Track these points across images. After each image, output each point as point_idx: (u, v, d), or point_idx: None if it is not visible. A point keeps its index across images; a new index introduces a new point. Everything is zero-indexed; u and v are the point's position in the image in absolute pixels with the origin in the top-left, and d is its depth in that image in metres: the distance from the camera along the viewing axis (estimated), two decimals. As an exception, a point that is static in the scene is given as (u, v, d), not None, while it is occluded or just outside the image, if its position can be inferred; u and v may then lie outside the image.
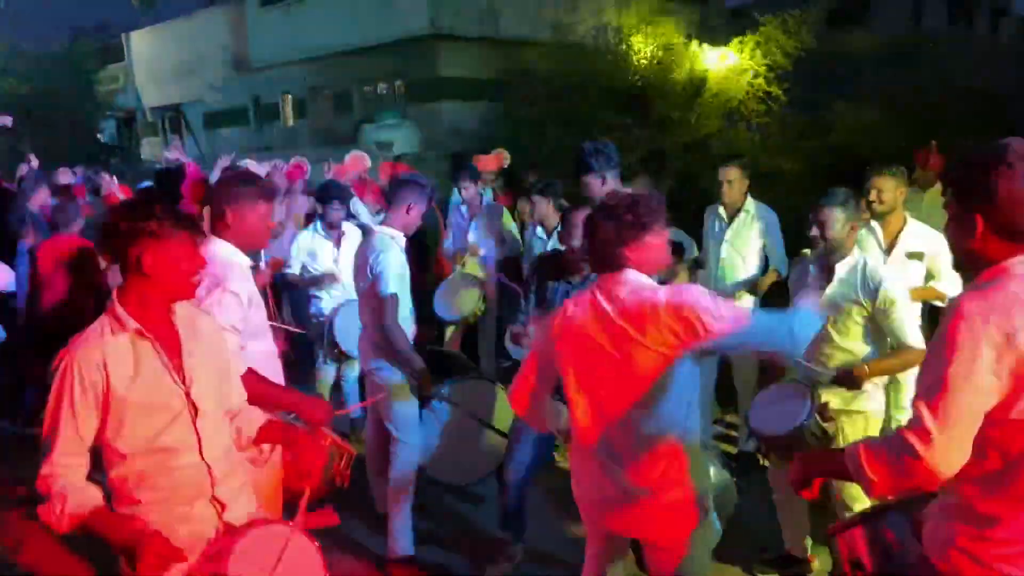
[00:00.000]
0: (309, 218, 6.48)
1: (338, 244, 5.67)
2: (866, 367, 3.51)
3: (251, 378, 2.85)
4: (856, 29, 13.03)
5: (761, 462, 4.95)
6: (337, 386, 5.76)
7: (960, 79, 9.84)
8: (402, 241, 4.14)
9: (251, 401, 2.74)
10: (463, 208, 6.65)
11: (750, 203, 5.24)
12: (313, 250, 5.69)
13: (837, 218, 3.59)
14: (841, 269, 3.62)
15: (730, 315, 2.57)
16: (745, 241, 5.22)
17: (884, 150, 6.76)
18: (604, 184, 4.34)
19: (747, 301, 5.16)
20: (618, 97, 11.59)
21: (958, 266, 2.11)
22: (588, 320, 2.73)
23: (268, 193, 3.25)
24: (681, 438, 2.68)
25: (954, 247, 2.07)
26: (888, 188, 4.41)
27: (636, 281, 2.69)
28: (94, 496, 2.23)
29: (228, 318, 2.90)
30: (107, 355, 2.25)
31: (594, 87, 11.78)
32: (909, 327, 3.52)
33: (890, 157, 4.76)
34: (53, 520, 2.19)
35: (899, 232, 4.44)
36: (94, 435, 2.28)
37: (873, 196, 4.43)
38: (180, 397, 2.35)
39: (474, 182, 6.54)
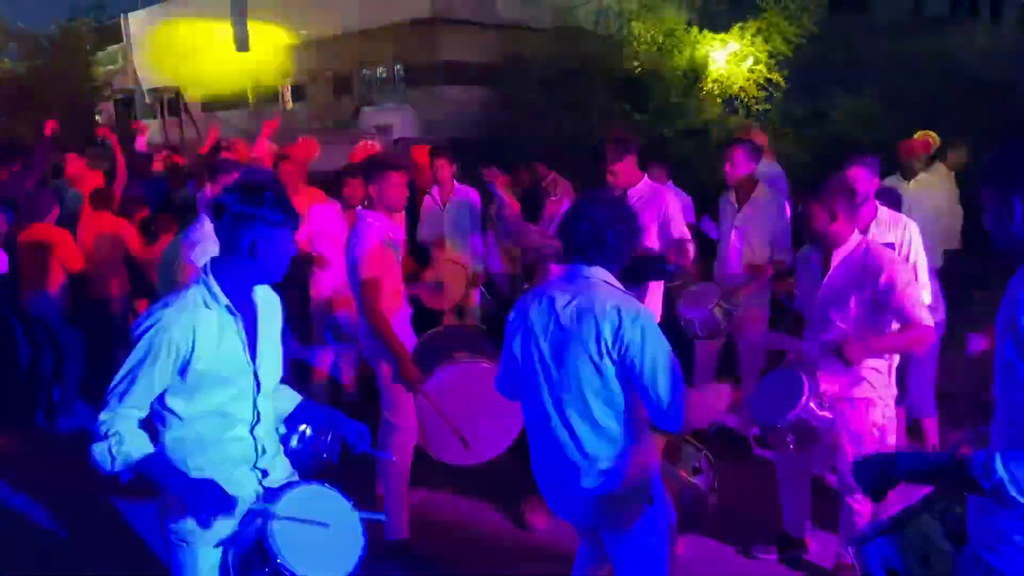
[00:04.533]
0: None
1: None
2: (859, 344, 3.43)
3: None
4: (857, 17, 12.98)
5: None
6: (336, 367, 5.76)
7: (961, 68, 9.81)
8: (384, 223, 4.12)
9: None
10: (435, 193, 6.52)
11: (760, 189, 5.14)
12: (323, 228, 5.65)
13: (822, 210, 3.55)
14: (838, 257, 3.61)
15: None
16: (754, 227, 5.10)
17: (884, 139, 6.76)
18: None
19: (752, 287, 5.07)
20: (617, 83, 11.55)
21: (998, 253, 2.07)
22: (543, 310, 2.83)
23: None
24: (615, 429, 2.73)
25: (993, 234, 2.04)
26: (863, 179, 4.37)
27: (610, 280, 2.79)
28: (148, 442, 2.33)
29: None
30: (198, 325, 2.34)
31: (593, 73, 11.74)
32: (915, 305, 3.45)
33: (889, 146, 4.73)
34: (106, 460, 2.27)
35: (869, 223, 4.41)
36: (160, 395, 2.37)
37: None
38: (249, 374, 2.48)
39: (449, 166, 6.41)
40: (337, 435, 2.86)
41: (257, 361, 2.49)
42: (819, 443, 3.45)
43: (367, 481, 4.29)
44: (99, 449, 2.27)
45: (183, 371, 2.34)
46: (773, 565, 4.01)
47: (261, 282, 2.52)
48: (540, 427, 2.85)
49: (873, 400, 3.61)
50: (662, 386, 2.60)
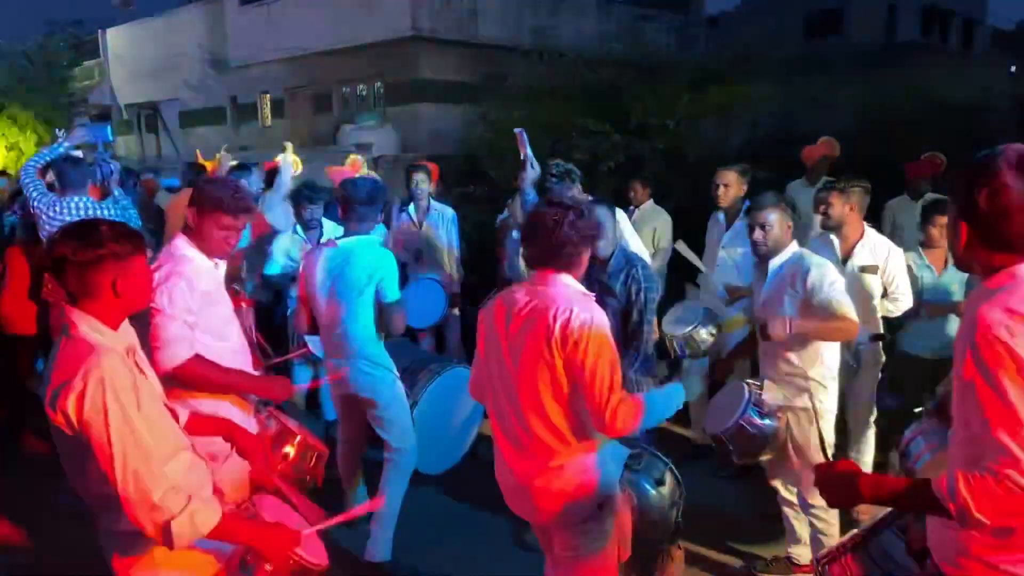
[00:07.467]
0: None
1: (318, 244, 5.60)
2: (780, 320, 3.55)
3: (197, 362, 2.98)
4: (831, 39, 13.18)
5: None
6: (313, 391, 5.72)
7: (933, 89, 9.99)
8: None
9: (201, 386, 2.95)
10: (411, 210, 6.54)
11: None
12: (291, 252, 5.61)
13: (773, 220, 3.75)
14: (774, 265, 3.79)
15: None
16: (740, 247, 5.13)
17: (857, 160, 6.86)
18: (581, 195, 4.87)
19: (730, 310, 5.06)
20: (596, 102, 11.63)
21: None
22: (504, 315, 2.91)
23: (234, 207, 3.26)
24: (566, 428, 2.81)
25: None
26: (835, 203, 4.49)
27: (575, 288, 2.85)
28: (216, 504, 2.22)
29: (181, 304, 3.05)
30: (125, 366, 2.22)
31: (572, 92, 11.82)
32: (841, 299, 3.59)
33: (863, 167, 4.82)
34: (184, 543, 2.14)
35: (855, 245, 4.52)
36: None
37: (821, 210, 4.54)
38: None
39: (429, 183, 6.44)
40: (321, 457, 2.88)
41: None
42: (762, 452, 3.53)
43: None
44: (179, 534, 2.11)
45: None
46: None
47: (131, 313, 2.40)
48: (500, 424, 2.94)
49: (817, 411, 3.64)
50: (601, 389, 2.67)
